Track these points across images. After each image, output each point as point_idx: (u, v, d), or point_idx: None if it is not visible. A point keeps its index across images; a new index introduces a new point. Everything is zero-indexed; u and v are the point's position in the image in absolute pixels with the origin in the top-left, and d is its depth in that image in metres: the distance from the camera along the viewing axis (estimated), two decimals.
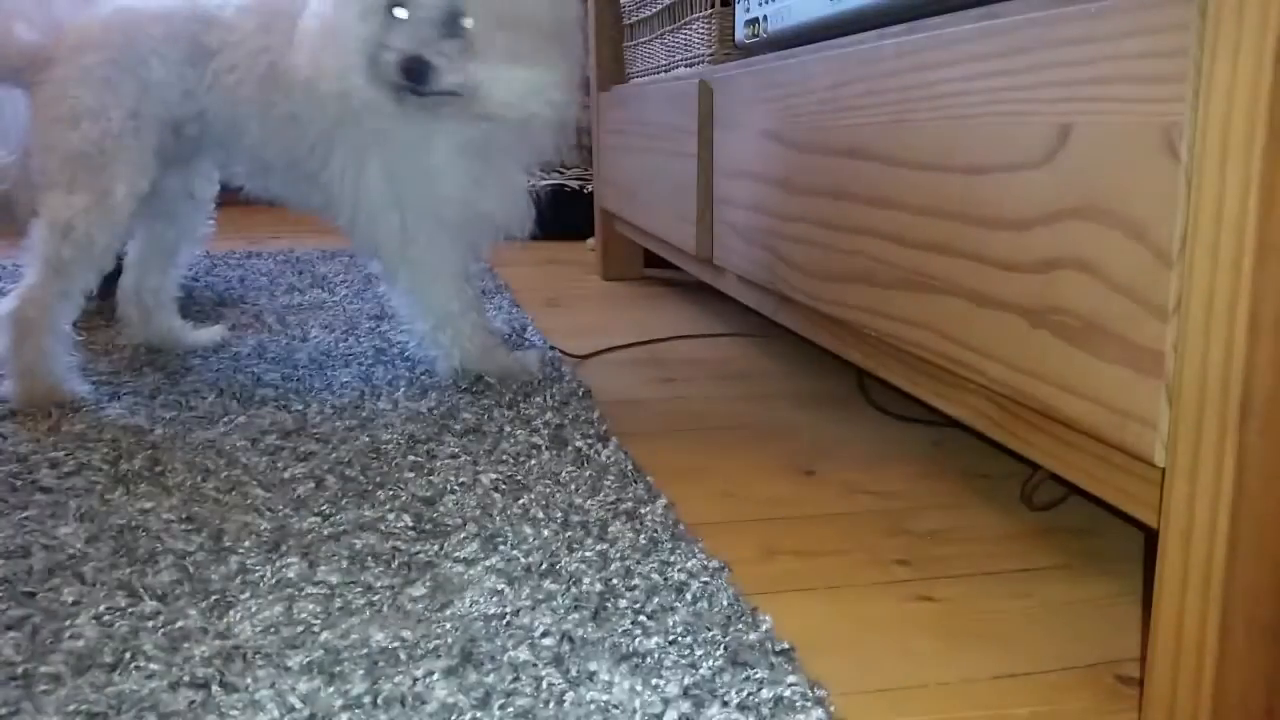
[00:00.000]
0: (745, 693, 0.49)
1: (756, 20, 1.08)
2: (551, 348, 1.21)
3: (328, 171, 1.00)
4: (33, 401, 0.95)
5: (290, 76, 0.97)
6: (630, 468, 0.79)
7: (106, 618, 0.56)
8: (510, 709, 0.47)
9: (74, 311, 0.99)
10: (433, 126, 0.98)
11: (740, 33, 1.14)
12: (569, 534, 0.67)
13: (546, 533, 0.67)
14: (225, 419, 0.92)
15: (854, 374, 1.09)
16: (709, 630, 0.54)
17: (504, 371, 1.05)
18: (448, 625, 0.55)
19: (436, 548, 0.65)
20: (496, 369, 1.05)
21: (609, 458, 0.81)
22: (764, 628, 0.55)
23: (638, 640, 0.53)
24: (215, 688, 0.49)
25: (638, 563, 0.62)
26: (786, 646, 0.53)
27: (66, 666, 0.51)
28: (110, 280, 1.09)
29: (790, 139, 0.91)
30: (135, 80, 0.97)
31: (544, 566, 0.62)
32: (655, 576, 0.61)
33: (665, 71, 1.50)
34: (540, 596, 0.58)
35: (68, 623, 0.55)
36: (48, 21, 0.98)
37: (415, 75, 0.91)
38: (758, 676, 0.50)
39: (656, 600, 0.58)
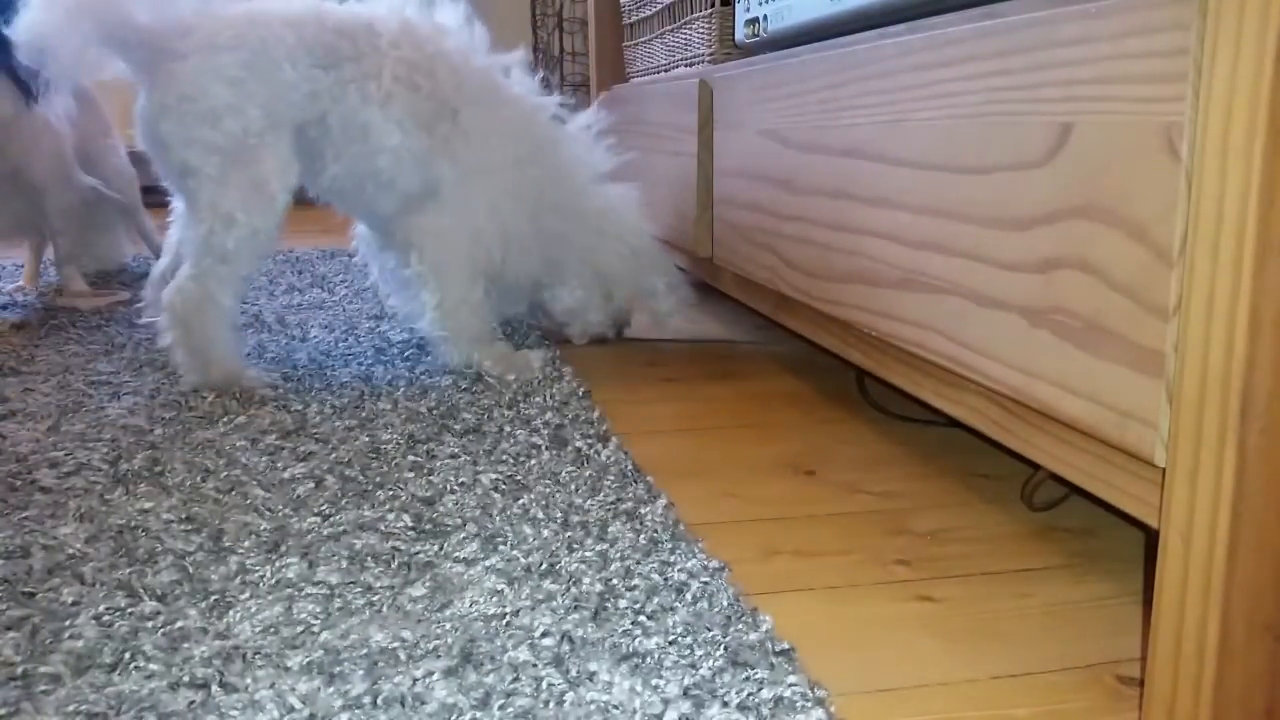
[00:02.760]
0: (745, 693, 0.49)
1: (756, 20, 1.08)
2: (545, 339, 1.21)
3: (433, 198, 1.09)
4: (212, 385, 1.00)
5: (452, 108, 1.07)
6: (630, 468, 0.79)
7: (106, 618, 0.56)
8: (510, 709, 0.47)
9: (242, 293, 1.05)
10: None
11: (740, 32, 1.14)
12: (569, 534, 0.67)
13: (546, 533, 0.67)
14: (225, 419, 0.92)
15: (854, 374, 1.09)
16: (709, 630, 0.54)
17: (505, 367, 1.07)
18: (448, 625, 0.55)
19: (436, 548, 0.65)
20: (498, 365, 1.07)
21: (609, 458, 0.81)
22: (764, 628, 0.55)
23: (638, 640, 0.53)
24: (215, 688, 0.49)
25: (638, 563, 0.62)
26: (786, 646, 0.53)
27: (66, 667, 0.51)
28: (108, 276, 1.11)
29: (790, 139, 0.91)
30: (268, 83, 0.99)
31: (544, 566, 0.62)
32: (655, 576, 0.61)
33: (665, 71, 1.50)
34: (540, 596, 0.58)
35: (67, 623, 0.55)
36: (167, 12, 0.99)
37: None
38: (758, 676, 0.50)
39: (656, 600, 0.58)
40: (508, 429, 0.89)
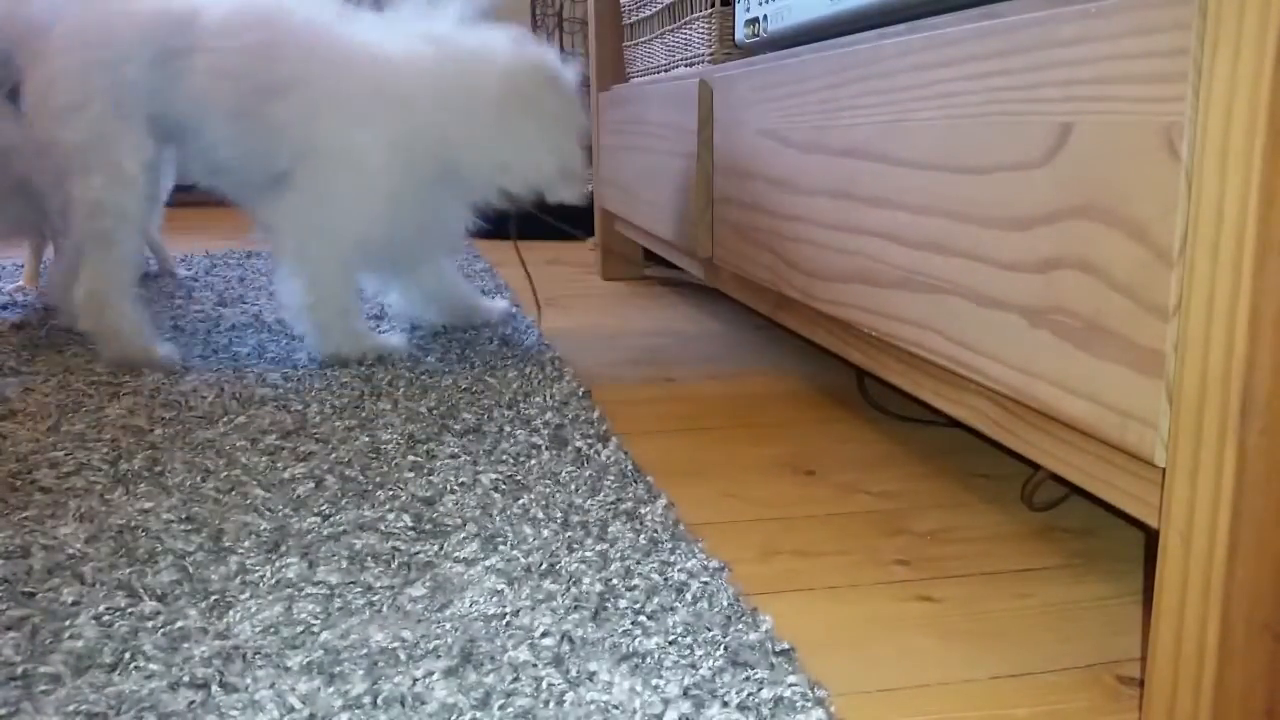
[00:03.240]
0: (745, 693, 0.49)
1: (756, 20, 1.08)
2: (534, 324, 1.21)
3: (289, 183, 1.08)
4: (125, 363, 1.06)
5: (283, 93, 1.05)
6: (630, 468, 0.79)
7: (106, 618, 0.56)
8: (510, 709, 0.47)
9: (136, 273, 1.10)
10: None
11: (740, 32, 1.14)
12: (569, 534, 0.67)
13: (546, 533, 0.67)
14: (225, 419, 0.92)
15: (854, 374, 1.09)
16: (709, 630, 0.54)
17: (364, 353, 1.13)
18: (448, 625, 0.55)
19: (436, 548, 0.65)
20: (357, 351, 1.12)
21: (609, 458, 0.81)
22: (764, 628, 0.55)
23: (638, 640, 0.53)
24: (215, 688, 0.49)
25: (638, 563, 0.62)
26: (786, 646, 0.53)
27: (66, 667, 0.51)
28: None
29: (790, 138, 0.91)
30: (113, 78, 1.02)
31: (544, 566, 0.62)
32: (655, 576, 0.61)
33: (665, 71, 1.50)
34: (540, 596, 0.58)
35: (67, 623, 0.55)
36: (25, 18, 1.03)
37: None
38: (758, 676, 0.50)
39: (656, 600, 0.58)
40: (508, 429, 0.89)
